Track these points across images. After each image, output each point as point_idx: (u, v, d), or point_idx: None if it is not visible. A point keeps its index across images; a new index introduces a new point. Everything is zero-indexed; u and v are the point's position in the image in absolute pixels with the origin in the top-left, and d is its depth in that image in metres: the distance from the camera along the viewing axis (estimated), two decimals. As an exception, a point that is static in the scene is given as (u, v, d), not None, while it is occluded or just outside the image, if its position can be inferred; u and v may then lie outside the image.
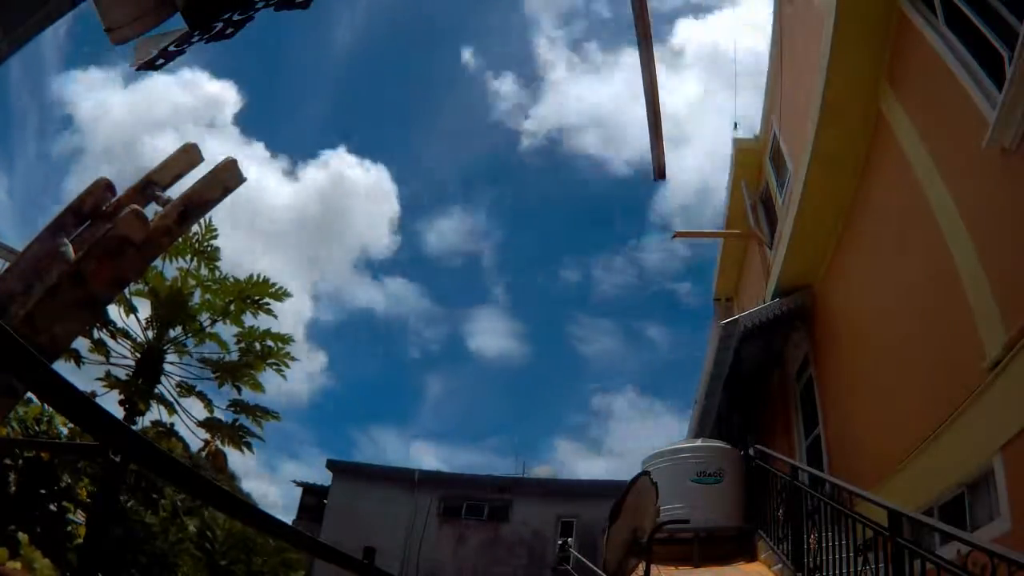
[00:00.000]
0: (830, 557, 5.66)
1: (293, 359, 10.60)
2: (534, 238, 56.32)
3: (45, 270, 2.00)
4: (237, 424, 10.34)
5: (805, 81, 8.28)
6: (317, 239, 52.77)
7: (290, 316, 40.01)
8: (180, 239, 8.50)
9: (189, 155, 2.95)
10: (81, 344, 9.09)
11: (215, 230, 9.90)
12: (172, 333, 9.95)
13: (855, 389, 7.84)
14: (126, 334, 9.57)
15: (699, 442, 9.38)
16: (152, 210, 2.60)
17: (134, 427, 8.49)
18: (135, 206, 2.17)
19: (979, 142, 4.81)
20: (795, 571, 6.29)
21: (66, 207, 2.60)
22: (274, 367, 10.49)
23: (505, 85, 50.73)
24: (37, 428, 9.04)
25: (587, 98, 50.79)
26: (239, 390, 10.34)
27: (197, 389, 10.20)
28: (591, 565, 9.35)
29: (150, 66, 2.19)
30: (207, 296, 10.09)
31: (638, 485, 6.56)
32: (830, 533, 5.74)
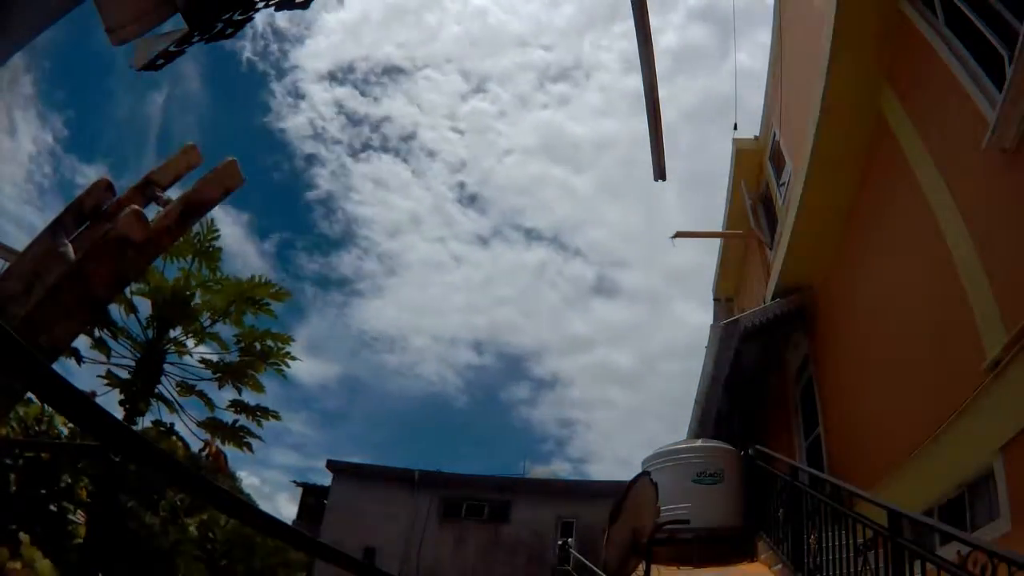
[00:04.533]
0: (830, 557, 5.65)
1: (293, 359, 10.62)
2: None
3: (45, 270, 2.00)
4: (237, 424, 10.35)
5: (805, 81, 8.28)
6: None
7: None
8: (180, 239, 8.50)
9: (189, 155, 2.95)
10: (81, 344, 9.10)
11: (216, 230, 9.92)
12: (172, 333, 9.96)
13: (855, 389, 7.84)
14: (126, 334, 9.58)
15: (699, 442, 9.38)
16: (152, 210, 2.59)
17: (134, 427, 8.50)
18: (135, 206, 2.17)
19: (979, 142, 4.81)
20: (795, 571, 6.29)
21: (66, 207, 2.60)
22: (274, 367, 10.51)
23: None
24: (37, 428, 9.04)
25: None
26: (239, 390, 10.36)
27: (197, 389, 10.21)
28: (591, 565, 9.34)
29: (151, 66, 2.20)
30: (208, 296, 10.09)
31: (638, 485, 6.56)
32: (830, 533, 5.74)
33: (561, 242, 54.31)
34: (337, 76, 46.87)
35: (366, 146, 47.31)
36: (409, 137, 48.20)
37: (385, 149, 48.66)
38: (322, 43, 43.57)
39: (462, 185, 52.31)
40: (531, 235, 55.84)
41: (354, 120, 46.74)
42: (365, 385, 54.06)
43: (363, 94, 45.44)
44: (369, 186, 47.70)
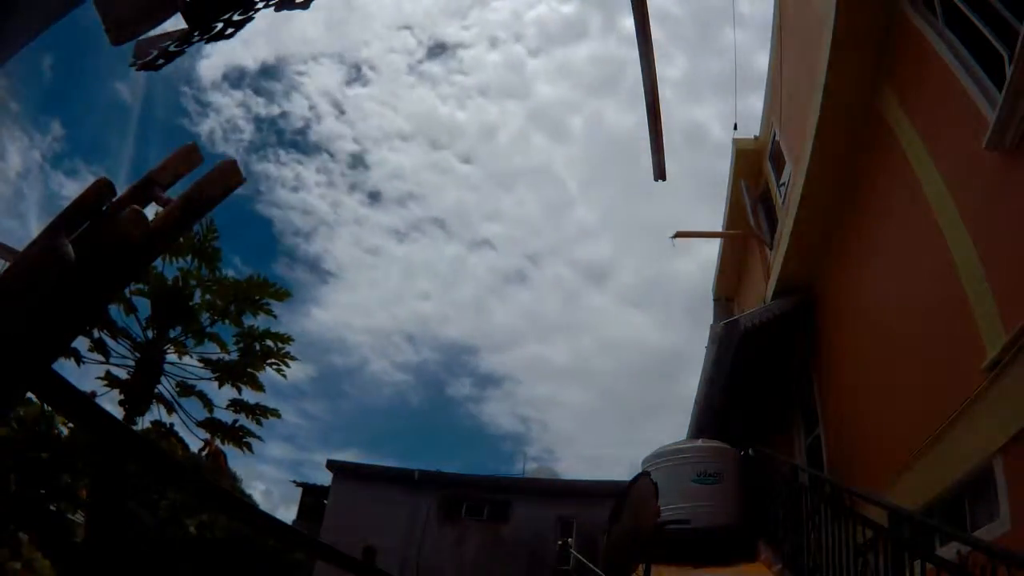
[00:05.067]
0: (830, 557, 5.65)
1: (293, 359, 10.62)
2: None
3: (45, 270, 2.00)
4: (237, 424, 10.35)
5: (805, 81, 8.28)
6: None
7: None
8: (180, 239, 8.50)
9: (189, 155, 2.95)
10: (81, 344, 9.10)
11: (216, 231, 9.92)
12: (172, 333, 9.95)
13: (855, 389, 7.84)
14: (126, 334, 9.57)
15: (699, 442, 9.38)
16: (152, 210, 2.59)
17: (134, 427, 8.49)
18: (135, 206, 2.17)
19: (979, 142, 4.81)
20: (795, 571, 6.29)
21: (65, 207, 2.60)
22: (274, 367, 10.50)
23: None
24: (37, 428, 9.04)
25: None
26: (239, 390, 10.35)
27: (197, 389, 10.21)
28: (591, 565, 9.34)
29: (150, 66, 2.19)
30: (207, 296, 10.09)
31: (638, 485, 6.57)
32: (830, 533, 5.74)
33: (470, 234, 54.87)
34: (231, 79, 48.22)
35: (265, 144, 48.46)
36: (303, 131, 49.16)
37: (283, 144, 49.85)
38: (217, 49, 44.76)
39: (363, 179, 53.00)
40: (441, 226, 56.37)
41: (255, 120, 48.08)
42: (328, 385, 54.56)
43: (257, 93, 46.49)
44: (277, 187, 48.53)
